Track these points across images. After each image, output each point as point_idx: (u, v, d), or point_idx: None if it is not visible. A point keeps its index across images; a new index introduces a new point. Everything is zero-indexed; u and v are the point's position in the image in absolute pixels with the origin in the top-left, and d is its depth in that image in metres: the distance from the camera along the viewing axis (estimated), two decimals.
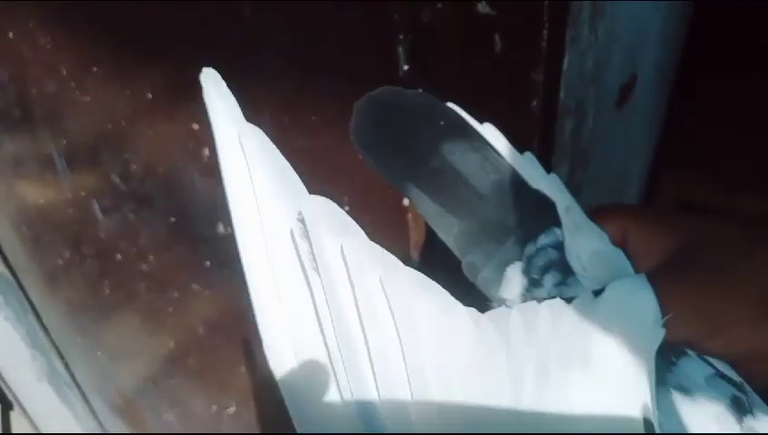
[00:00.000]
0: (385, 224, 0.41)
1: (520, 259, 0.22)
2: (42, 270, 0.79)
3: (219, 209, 0.50)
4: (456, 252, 0.23)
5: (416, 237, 0.41)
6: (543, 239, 0.22)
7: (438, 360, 0.19)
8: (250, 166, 0.21)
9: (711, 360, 0.21)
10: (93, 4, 0.45)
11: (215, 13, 0.39)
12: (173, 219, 0.55)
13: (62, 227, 0.68)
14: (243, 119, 0.24)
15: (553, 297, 0.20)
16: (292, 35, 0.36)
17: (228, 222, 0.50)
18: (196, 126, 0.46)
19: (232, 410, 0.72)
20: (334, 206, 0.22)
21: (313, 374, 0.20)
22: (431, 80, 0.32)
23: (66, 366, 0.98)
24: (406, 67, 0.33)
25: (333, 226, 0.21)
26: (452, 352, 0.19)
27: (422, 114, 0.24)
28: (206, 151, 0.47)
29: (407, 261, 0.42)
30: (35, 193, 0.67)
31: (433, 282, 0.21)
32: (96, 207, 0.61)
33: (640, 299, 0.19)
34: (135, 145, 0.52)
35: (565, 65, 0.32)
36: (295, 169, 0.43)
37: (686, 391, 0.20)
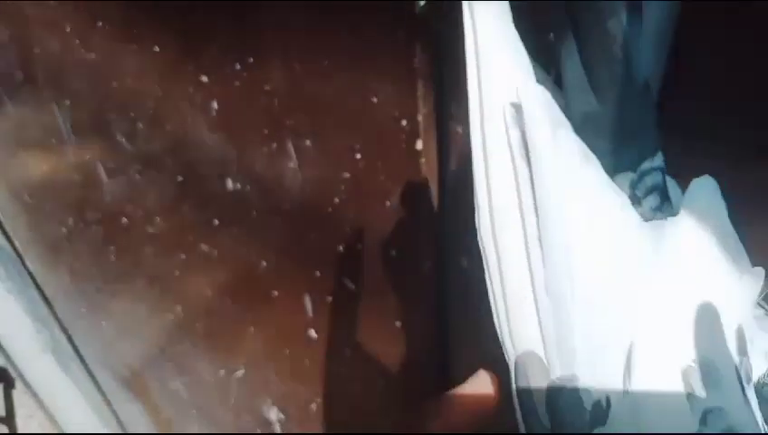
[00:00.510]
0: (398, 170, 0.42)
1: (633, 170, 0.21)
2: (44, 240, 0.78)
3: (228, 164, 0.50)
4: (576, 130, 0.20)
5: (429, 183, 0.41)
6: (658, 160, 0.21)
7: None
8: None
9: None
10: None
11: None
12: (180, 178, 0.55)
13: (66, 194, 0.67)
14: None
15: (648, 220, 0.21)
16: None
17: (236, 177, 0.50)
18: (204, 78, 0.46)
19: (240, 373, 0.72)
20: (548, 94, 0.20)
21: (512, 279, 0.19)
22: (451, 15, 0.32)
23: (69, 339, 0.98)
24: (422, 2, 0.33)
25: (548, 115, 0.19)
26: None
27: None
28: (215, 105, 0.47)
29: (416, 207, 0.42)
30: (38, 159, 0.66)
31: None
32: (101, 169, 0.61)
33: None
34: (141, 102, 0.52)
35: None
36: (305, 116, 0.43)
37: None
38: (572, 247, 0.18)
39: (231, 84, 0.45)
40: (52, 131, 0.61)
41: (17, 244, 0.84)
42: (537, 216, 0.19)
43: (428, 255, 0.44)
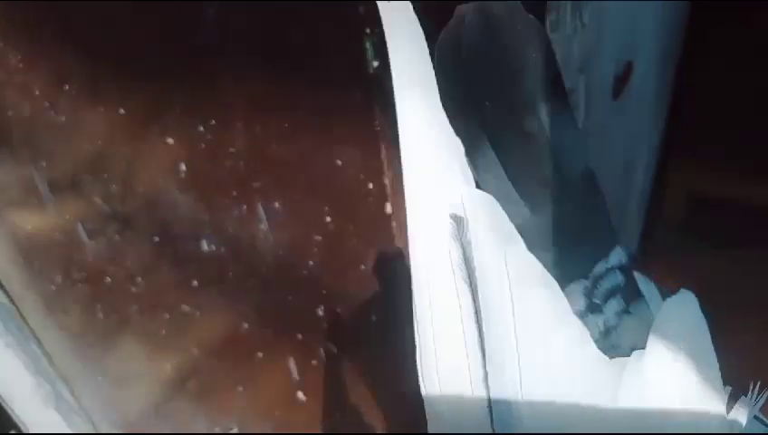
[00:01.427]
0: (370, 233, 0.39)
1: (585, 276, 0.18)
2: (37, 297, 0.77)
3: (201, 226, 0.48)
4: None
5: (401, 247, 0.38)
6: (614, 258, 0.19)
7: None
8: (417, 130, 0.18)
9: None
10: (61, 21, 0.44)
11: (178, 17, 0.37)
12: (156, 238, 0.53)
13: (51, 252, 0.66)
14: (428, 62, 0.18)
15: (613, 326, 0.18)
16: (261, 35, 0.34)
17: (210, 238, 0.48)
18: (170, 140, 0.44)
19: (234, 431, 0.69)
20: (496, 203, 0.17)
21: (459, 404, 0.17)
22: None
23: (72, 392, 0.96)
24: (375, 63, 0.31)
25: (496, 228, 0.17)
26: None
27: (530, 51, 0.18)
28: (183, 166, 0.45)
29: (392, 272, 0.40)
30: (23, 219, 0.65)
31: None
32: (81, 230, 0.59)
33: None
34: (113, 164, 0.50)
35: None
36: (272, 179, 0.41)
37: None
38: (522, 394, 0.16)
39: (197, 146, 0.43)
40: (31, 192, 0.60)
41: (15, 300, 0.83)
42: (483, 356, 0.16)
43: (410, 320, 0.41)
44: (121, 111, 0.45)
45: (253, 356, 0.56)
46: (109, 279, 0.62)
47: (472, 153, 0.17)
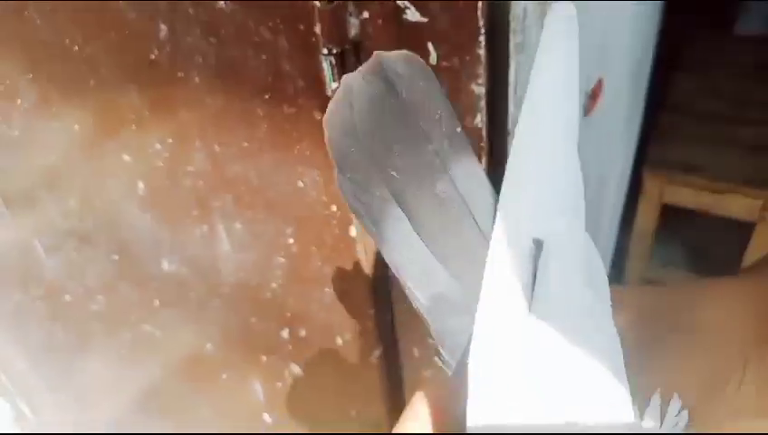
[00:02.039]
0: (333, 256, 0.38)
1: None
2: None
3: (162, 245, 0.46)
4: (428, 316, 0.17)
5: (366, 270, 0.37)
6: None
7: None
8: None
9: None
10: (12, 34, 0.42)
11: (134, 33, 0.36)
12: (116, 257, 0.51)
13: (9, 270, 0.64)
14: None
15: None
16: (215, 53, 0.33)
17: (171, 259, 0.46)
18: (127, 157, 0.42)
19: None
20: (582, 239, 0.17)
21: None
22: None
23: (33, 411, 0.93)
24: (335, 85, 0.29)
25: (578, 267, 0.16)
26: None
27: (437, 108, 0.17)
28: (141, 184, 0.43)
29: (360, 295, 0.38)
30: None
31: None
32: (39, 246, 0.57)
33: None
34: (70, 180, 0.48)
35: (512, 76, 0.28)
36: (232, 199, 0.39)
37: None
38: None
39: (154, 164, 0.41)
40: None
41: None
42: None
43: (376, 344, 0.40)
44: (76, 126, 0.43)
45: (217, 377, 0.54)
46: (68, 297, 0.60)
47: (382, 228, 0.16)
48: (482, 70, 0.26)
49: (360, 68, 0.16)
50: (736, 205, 1.16)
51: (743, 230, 1.16)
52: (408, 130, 0.16)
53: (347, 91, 0.16)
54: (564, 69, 0.18)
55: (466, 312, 0.16)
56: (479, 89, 0.26)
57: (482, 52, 0.25)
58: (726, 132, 1.23)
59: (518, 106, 0.30)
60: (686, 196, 1.19)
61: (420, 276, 0.16)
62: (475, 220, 0.17)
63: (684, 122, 1.25)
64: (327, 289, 0.39)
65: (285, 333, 0.45)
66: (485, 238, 0.16)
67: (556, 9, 0.19)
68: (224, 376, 0.53)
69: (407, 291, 0.17)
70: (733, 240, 1.18)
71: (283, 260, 0.40)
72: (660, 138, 1.21)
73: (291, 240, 0.38)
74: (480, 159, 0.29)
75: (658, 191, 1.20)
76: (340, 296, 0.39)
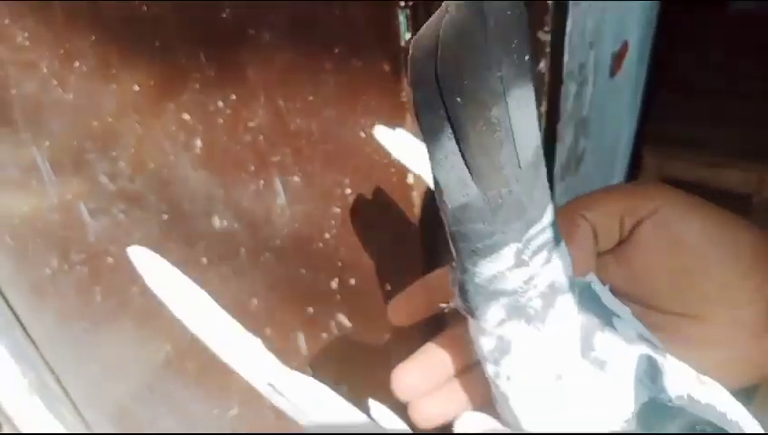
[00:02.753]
0: (389, 204, 0.40)
1: (518, 241, 0.20)
2: (28, 282, 0.76)
3: (214, 202, 0.49)
4: (451, 219, 0.20)
5: (420, 216, 0.40)
6: (546, 218, 0.20)
7: None
8: None
9: (636, 325, 0.22)
10: None
11: None
12: (165, 216, 0.53)
13: (49, 235, 0.66)
14: None
15: (536, 274, 0.20)
16: (289, 12, 0.35)
17: (223, 215, 0.48)
18: (186, 116, 0.45)
19: (234, 412, 0.70)
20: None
21: None
22: None
23: (57, 380, 0.95)
24: (408, 36, 0.32)
25: None
26: None
27: (518, 37, 0.18)
28: (199, 142, 0.46)
29: (412, 241, 0.41)
30: (19, 200, 0.65)
31: None
32: (84, 209, 0.59)
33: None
34: (123, 141, 0.51)
35: (569, 27, 0.31)
36: (291, 152, 0.42)
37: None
38: None
39: (214, 122, 0.43)
40: (32, 172, 0.59)
41: (2, 286, 0.82)
42: None
43: None
44: (135, 87, 0.46)
45: (260, 333, 0.56)
46: (111, 260, 0.62)
47: (432, 143, 0.19)
48: (549, 18, 0.29)
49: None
50: (734, 178, 1.20)
51: (740, 203, 1.20)
52: (483, 57, 0.18)
53: (440, 15, 0.19)
54: None
55: (485, 221, 0.19)
56: (545, 36, 0.29)
57: (550, 2, 0.28)
58: (723, 108, 1.26)
59: (572, 55, 0.33)
60: (685, 170, 1.23)
61: (453, 187, 0.19)
62: (515, 146, 0.19)
63: (681, 99, 1.28)
64: (380, 236, 0.42)
65: (335, 283, 0.47)
66: (518, 162, 0.19)
67: None
68: (267, 331, 0.56)
69: (437, 196, 0.20)
70: (731, 211, 1.22)
71: (338, 210, 0.43)
72: (658, 114, 1.25)
73: (348, 190, 0.41)
74: (540, 101, 0.32)
75: (658, 166, 1.24)
76: (392, 243, 0.42)
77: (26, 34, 0.48)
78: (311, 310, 0.51)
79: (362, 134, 0.38)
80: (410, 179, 0.38)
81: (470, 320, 0.21)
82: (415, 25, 0.32)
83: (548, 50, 0.29)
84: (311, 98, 0.38)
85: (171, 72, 0.43)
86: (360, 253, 0.44)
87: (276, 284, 0.51)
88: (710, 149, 1.19)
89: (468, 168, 0.19)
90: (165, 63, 0.43)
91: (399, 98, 0.35)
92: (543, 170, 0.20)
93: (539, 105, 0.31)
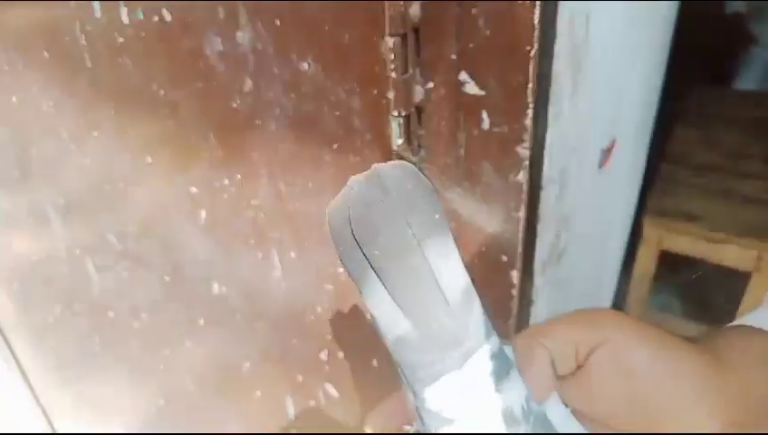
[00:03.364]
0: None
1: (458, 368, 0.22)
2: (31, 326, 0.78)
3: (214, 269, 0.51)
4: (392, 349, 0.22)
5: None
6: (485, 350, 0.22)
7: None
8: None
9: None
10: (96, 71, 0.47)
11: (217, 82, 0.41)
12: (168, 278, 0.55)
13: (55, 284, 0.68)
14: None
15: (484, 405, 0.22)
16: (293, 106, 0.38)
17: (222, 282, 0.51)
18: (194, 189, 0.47)
19: None
20: None
21: None
22: (423, 152, 0.34)
23: (51, 427, 0.96)
24: (400, 141, 0.35)
25: None
26: None
27: (421, 201, 0.22)
28: (203, 214, 0.48)
29: None
30: (30, 249, 0.67)
31: None
32: (90, 264, 0.62)
33: None
34: (132, 206, 0.53)
35: (548, 139, 0.34)
36: (290, 230, 0.44)
37: None
38: None
39: (219, 197, 0.46)
40: (44, 226, 0.62)
41: (5, 328, 0.84)
42: None
43: None
44: (149, 159, 0.49)
45: (251, 395, 0.58)
46: (112, 314, 0.64)
47: (362, 285, 0.22)
48: (527, 136, 0.31)
49: (361, 173, 0.22)
50: (732, 254, 1.21)
51: (739, 279, 1.21)
52: (393, 221, 0.21)
53: (348, 191, 0.22)
54: None
55: (422, 351, 0.22)
56: (524, 151, 0.32)
57: (528, 122, 0.31)
58: (724, 184, 1.29)
59: (552, 164, 0.35)
60: (684, 244, 1.25)
61: (388, 322, 0.22)
62: (438, 284, 0.21)
63: (683, 173, 1.31)
64: (369, 315, 0.44)
65: (324, 355, 0.49)
66: (445, 300, 0.21)
67: None
68: (257, 393, 0.57)
69: (375, 329, 0.22)
70: (729, 288, 1.22)
71: (330, 287, 0.45)
72: (660, 188, 1.27)
73: (340, 269, 0.43)
74: (519, 207, 0.34)
75: (657, 238, 1.26)
76: None
77: (51, 103, 0.52)
78: (300, 378, 0.52)
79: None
80: None
81: None
82: (407, 131, 0.34)
83: (526, 163, 0.32)
84: (310, 184, 0.41)
85: (183, 150, 0.46)
86: (349, 328, 0.46)
87: (268, 350, 0.53)
88: (709, 224, 1.21)
89: (398, 306, 0.21)
90: (177, 141, 0.46)
91: None
92: (477, 305, 0.22)
93: (517, 211, 0.34)
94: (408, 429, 0.25)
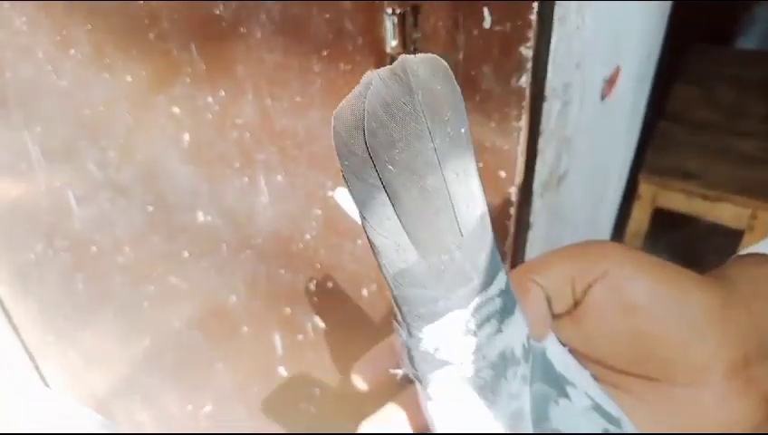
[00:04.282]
0: None
1: (464, 307, 0.19)
2: (12, 266, 0.76)
3: (199, 196, 0.49)
4: (392, 283, 0.19)
5: None
6: (494, 287, 0.20)
7: None
8: None
9: (593, 392, 0.22)
10: None
11: None
12: (150, 208, 0.53)
13: (35, 220, 0.66)
14: None
15: (484, 344, 0.20)
16: (280, 10, 0.36)
17: (208, 210, 0.49)
18: (176, 109, 0.45)
19: (207, 409, 0.70)
20: None
21: None
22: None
23: (36, 368, 0.95)
24: (394, 43, 0.32)
25: None
26: None
27: (449, 109, 0.18)
28: (187, 136, 0.46)
29: None
30: (7, 184, 0.65)
31: None
32: (71, 197, 0.60)
33: None
34: (113, 131, 0.51)
35: (553, 44, 0.31)
36: (276, 151, 0.42)
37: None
38: None
39: (203, 117, 0.44)
40: (21, 156, 0.60)
41: None
42: None
43: None
44: (128, 78, 0.46)
45: (237, 331, 0.57)
46: (94, 248, 0.62)
47: (367, 208, 0.18)
48: (531, 34, 0.29)
49: (383, 67, 0.19)
50: (727, 212, 1.20)
51: (731, 237, 1.20)
52: (413, 129, 0.18)
53: (363, 89, 0.18)
54: None
55: (427, 286, 0.19)
56: (527, 52, 0.30)
57: (534, 18, 0.29)
58: (721, 142, 1.27)
59: (556, 73, 0.33)
60: (679, 201, 1.24)
61: (391, 253, 0.19)
62: (455, 214, 0.18)
63: (680, 131, 1.29)
64: (359, 241, 0.42)
65: (312, 285, 0.47)
66: (459, 230, 0.19)
67: None
68: (245, 329, 0.56)
69: (377, 261, 0.20)
70: (721, 246, 1.22)
71: (319, 212, 0.43)
72: (657, 144, 1.26)
73: (330, 193, 0.41)
74: (521, 116, 0.32)
75: (652, 195, 1.25)
76: (371, 249, 0.42)
77: (24, 19, 0.49)
78: (288, 310, 0.51)
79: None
80: None
81: (418, 385, 0.21)
82: (402, 32, 0.32)
83: (529, 65, 0.30)
84: (298, 99, 0.38)
85: (163, 65, 0.43)
86: (338, 256, 0.45)
87: (255, 282, 0.51)
88: (705, 182, 1.20)
89: (406, 233, 0.19)
90: (158, 56, 0.43)
91: None
92: (490, 237, 0.19)
93: (518, 120, 0.31)
94: (394, 372, 0.23)
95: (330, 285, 0.46)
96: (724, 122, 1.29)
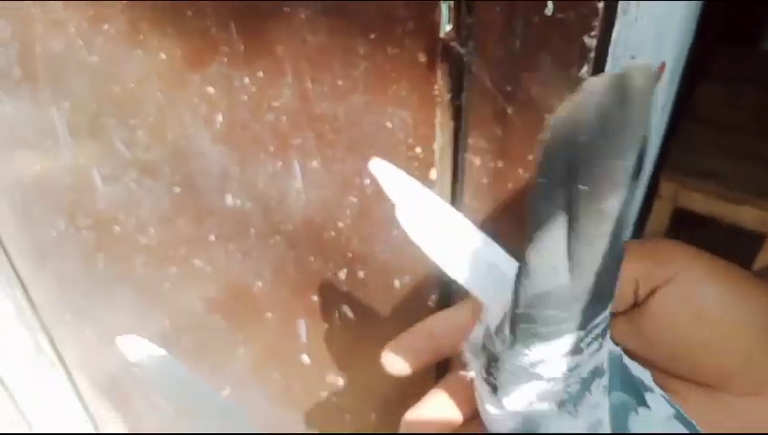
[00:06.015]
0: None
1: (583, 329, 0.19)
2: (33, 242, 0.76)
3: (229, 179, 0.48)
4: (526, 306, 0.19)
5: None
6: (609, 307, 0.19)
7: None
8: None
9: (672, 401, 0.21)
10: None
11: None
12: (178, 189, 0.53)
13: (59, 196, 0.65)
14: None
15: (584, 361, 0.19)
16: None
17: (237, 193, 0.48)
18: (211, 89, 0.44)
19: (226, 392, 0.70)
20: None
21: None
22: (471, 45, 0.31)
23: (52, 344, 0.95)
24: (448, 27, 0.31)
25: None
26: None
27: (647, 124, 0.17)
28: (220, 117, 0.45)
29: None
30: (32, 159, 0.64)
31: None
32: (96, 175, 0.59)
33: None
34: (143, 109, 0.50)
35: (614, 35, 0.30)
36: (313, 136, 0.41)
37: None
38: None
39: (238, 98, 0.43)
40: (48, 132, 0.59)
41: (6, 244, 0.81)
42: None
43: (434, 287, 0.42)
44: (162, 55, 0.45)
45: (261, 316, 0.56)
46: (118, 228, 0.62)
47: (540, 229, 0.18)
48: (597, 22, 0.28)
49: (603, 74, 0.17)
50: (748, 215, 1.18)
51: (752, 240, 1.18)
52: (615, 145, 0.16)
53: (586, 97, 0.17)
54: None
55: (560, 308, 0.18)
56: (591, 41, 0.28)
57: (601, 6, 0.27)
58: (744, 144, 1.25)
59: (614, 64, 0.32)
60: (700, 202, 1.22)
61: (543, 274, 0.18)
62: (615, 235, 0.17)
63: (703, 131, 1.27)
64: (395, 231, 0.41)
65: (343, 274, 0.47)
66: (618, 255, 0.18)
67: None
68: (269, 314, 0.55)
69: (517, 278, 0.18)
70: (741, 249, 1.20)
71: (354, 200, 0.42)
72: (679, 144, 1.24)
73: (367, 181, 0.40)
74: None
75: (673, 195, 1.23)
76: (406, 240, 0.41)
77: None
78: (315, 298, 0.50)
79: (388, 124, 0.37)
80: (433, 175, 0.37)
81: (481, 388, 0.20)
82: (457, 17, 0.31)
83: (592, 55, 0.29)
84: (339, 82, 0.37)
85: (200, 44, 0.42)
86: (372, 246, 0.44)
87: (283, 268, 0.50)
88: (728, 183, 1.18)
89: (569, 258, 0.18)
90: (195, 34, 0.42)
91: (431, 90, 0.34)
92: (620, 262, 0.19)
93: None
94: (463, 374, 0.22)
95: (361, 274, 0.46)
96: (748, 124, 1.27)
